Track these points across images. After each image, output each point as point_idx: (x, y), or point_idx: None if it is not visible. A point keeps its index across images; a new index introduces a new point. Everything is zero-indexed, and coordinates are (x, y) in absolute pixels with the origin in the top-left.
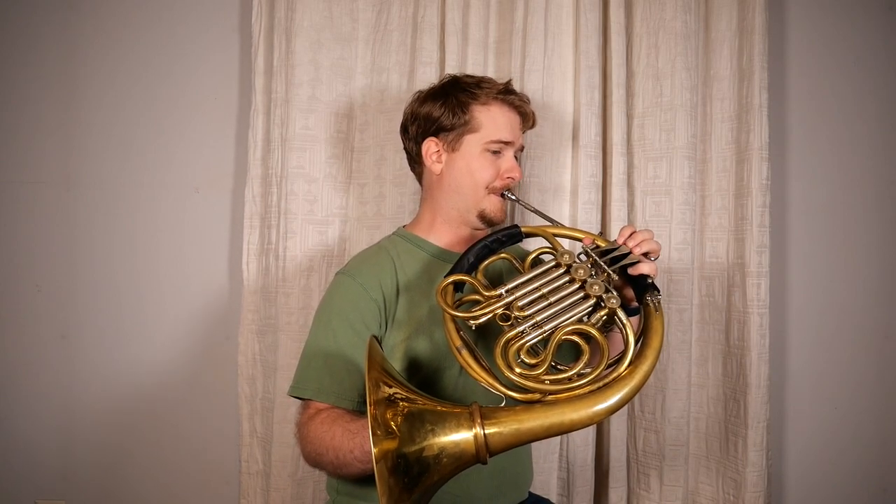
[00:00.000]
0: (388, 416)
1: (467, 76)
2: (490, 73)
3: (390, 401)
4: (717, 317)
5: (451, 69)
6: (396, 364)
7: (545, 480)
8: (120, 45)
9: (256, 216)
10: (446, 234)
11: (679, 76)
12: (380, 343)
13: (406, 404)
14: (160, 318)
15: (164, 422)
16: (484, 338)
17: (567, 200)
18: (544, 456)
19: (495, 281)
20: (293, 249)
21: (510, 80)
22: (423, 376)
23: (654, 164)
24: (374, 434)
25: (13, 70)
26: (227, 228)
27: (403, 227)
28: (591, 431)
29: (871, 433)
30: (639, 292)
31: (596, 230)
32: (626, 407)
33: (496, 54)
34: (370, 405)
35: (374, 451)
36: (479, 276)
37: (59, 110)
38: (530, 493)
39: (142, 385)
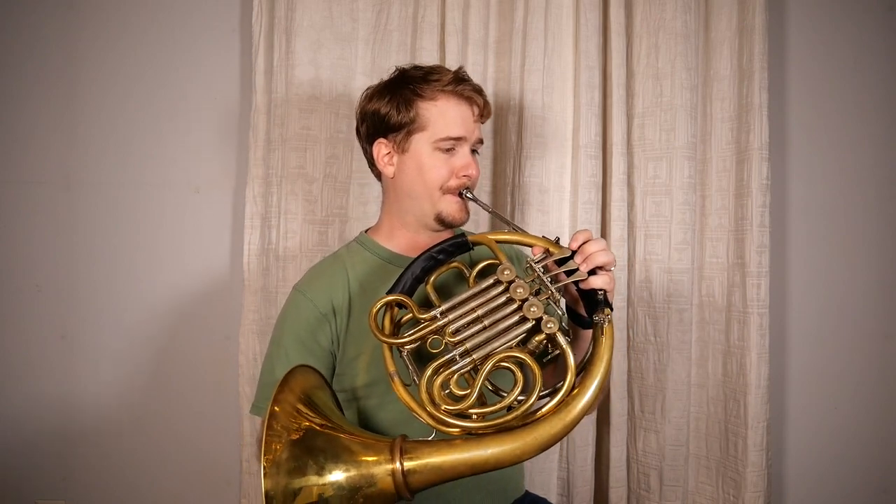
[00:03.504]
0: (296, 448)
1: (416, 68)
2: (490, 73)
3: (301, 431)
4: (717, 317)
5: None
6: (350, 384)
7: (545, 480)
8: (120, 44)
9: (257, 216)
10: (405, 238)
11: (679, 76)
12: (335, 361)
13: (318, 435)
14: (160, 318)
15: (164, 422)
16: (427, 361)
17: (567, 200)
18: (544, 456)
19: (449, 293)
20: (293, 249)
21: (461, 67)
22: (378, 400)
23: (654, 164)
24: (269, 466)
25: (13, 70)
26: (227, 228)
27: (367, 230)
28: (590, 431)
29: (871, 433)
30: (589, 309)
31: (596, 230)
32: (625, 407)
33: (496, 54)
34: (265, 438)
35: (264, 485)
36: (430, 288)
37: (59, 110)
38: (529, 493)
39: (142, 385)
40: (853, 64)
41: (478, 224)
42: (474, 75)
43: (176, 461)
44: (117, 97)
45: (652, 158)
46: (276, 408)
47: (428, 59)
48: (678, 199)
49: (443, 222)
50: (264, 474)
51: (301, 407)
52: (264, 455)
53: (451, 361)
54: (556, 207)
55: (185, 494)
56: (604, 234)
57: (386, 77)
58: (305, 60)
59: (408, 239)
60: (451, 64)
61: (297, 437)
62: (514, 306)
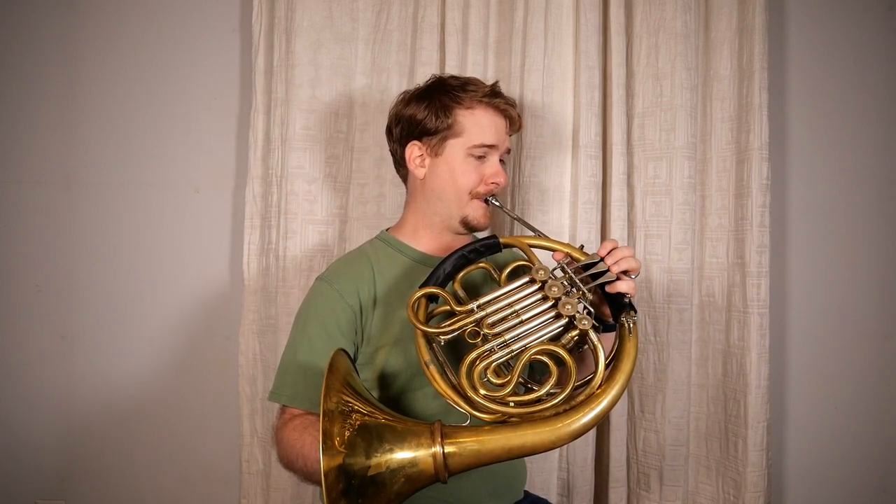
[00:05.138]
0: (345, 429)
1: (453, 78)
2: (490, 73)
3: (348, 414)
4: (717, 317)
5: (452, 69)
6: (371, 374)
7: (545, 480)
8: (120, 45)
9: (257, 216)
10: (428, 239)
11: (679, 76)
12: (356, 352)
13: (364, 418)
14: (160, 318)
15: (164, 422)
16: (458, 353)
17: (567, 200)
18: (544, 456)
19: (474, 291)
20: (293, 249)
21: (497, 82)
22: (399, 390)
23: (654, 164)
24: (325, 447)
25: (13, 70)
26: (227, 228)
27: (387, 230)
28: (591, 431)
29: (871, 433)
30: (615, 311)
31: (596, 230)
32: (625, 407)
33: (496, 54)
34: (322, 417)
35: (322, 463)
36: (457, 286)
37: (59, 110)
38: (529, 493)
39: (142, 385)
40: (853, 64)
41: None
42: (474, 75)
43: (176, 461)
44: (117, 97)
45: (652, 158)
46: (328, 391)
47: (428, 59)
48: (678, 199)
49: (467, 226)
50: (324, 453)
51: (345, 391)
52: (322, 435)
53: (490, 352)
54: (556, 207)
55: (185, 494)
56: (604, 234)
57: (388, 80)
58: (305, 60)
59: (431, 239)
60: (452, 64)
61: (347, 419)
62: (549, 304)
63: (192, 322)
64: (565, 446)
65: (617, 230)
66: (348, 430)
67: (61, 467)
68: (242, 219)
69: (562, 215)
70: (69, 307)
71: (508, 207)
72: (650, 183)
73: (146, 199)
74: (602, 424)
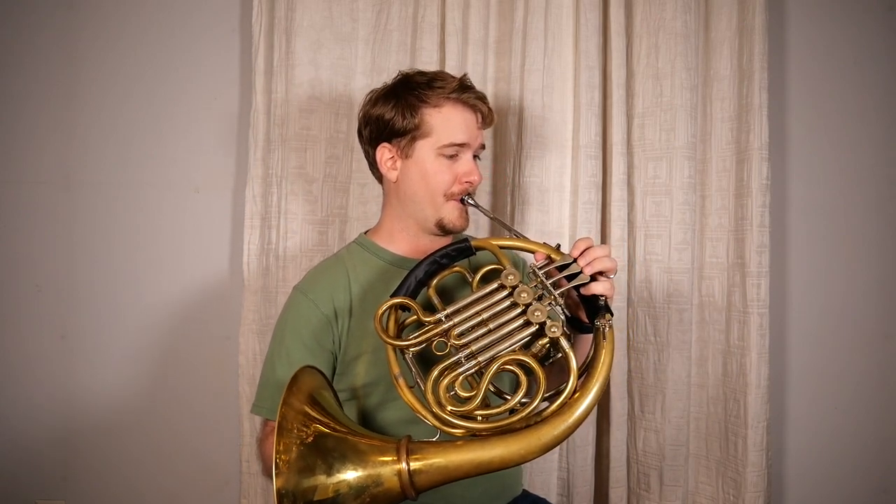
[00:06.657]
0: (304, 449)
1: (420, 74)
2: (490, 73)
3: (309, 433)
4: (717, 317)
5: (452, 69)
6: (348, 384)
7: (545, 480)
8: (120, 45)
9: (257, 216)
10: (405, 241)
11: (679, 76)
12: (335, 361)
13: (327, 436)
14: (160, 318)
15: (164, 422)
16: (433, 365)
17: (567, 200)
18: (544, 456)
19: (450, 297)
20: (293, 249)
21: (465, 74)
22: (378, 400)
23: (654, 164)
24: (277, 469)
25: (13, 70)
26: (227, 228)
27: (366, 232)
28: (590, 431)
29: (871, 433)
30: (590, 314)
31: (596, 230)
32: (626, 407)
33: (496, 54)
34: (277, 438)
35: (275, 483)
36: (432, 292)
37: (59, 110)
38: (528, 493)
39: (142, 385)
40: (853, 64)
41: (477, 227)
42: (474, 76)
43: (176, 461)
44: (117, 97)
45: (652, 158)
46: (284, 409)
47: (428, 59)
48: (678, 199)
49: (443, 228)
50: (277, 473)
51: (308, 408)
52: (276, 454)
53: (457, 364)
54: (556, 207)
55: (185, 494)
56: (604, 234)
57: (389, 81)
58: (305, 60)
59: (408, 242)
60: (452, 65)
61: (307, 437)
62: (518, 310)
63: (192, 322)
64: (565, 445)
65: (617, 230)
66: (305, 448)
67: (61, 467)
68: (242, 219)
69: (562, 215)
70: (69, 307)
71: (508, 206)
72: (650, 183)
73: (146, 199)
74: (602, 424)
